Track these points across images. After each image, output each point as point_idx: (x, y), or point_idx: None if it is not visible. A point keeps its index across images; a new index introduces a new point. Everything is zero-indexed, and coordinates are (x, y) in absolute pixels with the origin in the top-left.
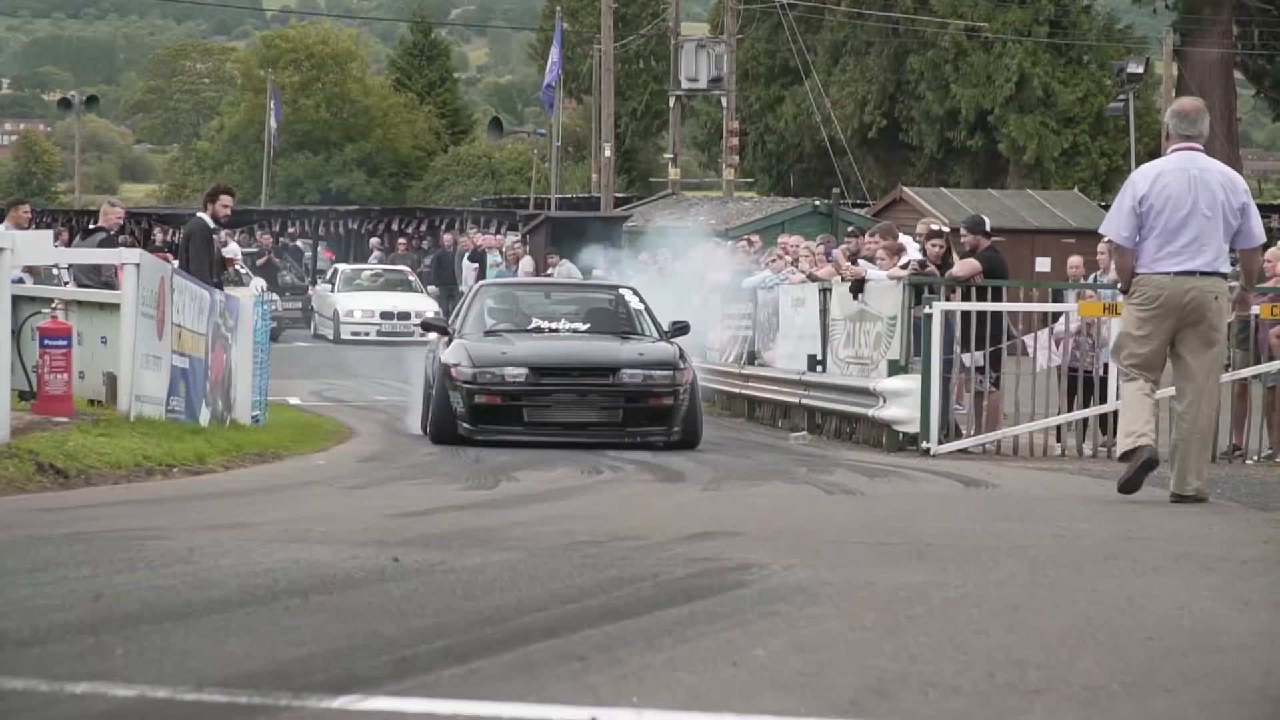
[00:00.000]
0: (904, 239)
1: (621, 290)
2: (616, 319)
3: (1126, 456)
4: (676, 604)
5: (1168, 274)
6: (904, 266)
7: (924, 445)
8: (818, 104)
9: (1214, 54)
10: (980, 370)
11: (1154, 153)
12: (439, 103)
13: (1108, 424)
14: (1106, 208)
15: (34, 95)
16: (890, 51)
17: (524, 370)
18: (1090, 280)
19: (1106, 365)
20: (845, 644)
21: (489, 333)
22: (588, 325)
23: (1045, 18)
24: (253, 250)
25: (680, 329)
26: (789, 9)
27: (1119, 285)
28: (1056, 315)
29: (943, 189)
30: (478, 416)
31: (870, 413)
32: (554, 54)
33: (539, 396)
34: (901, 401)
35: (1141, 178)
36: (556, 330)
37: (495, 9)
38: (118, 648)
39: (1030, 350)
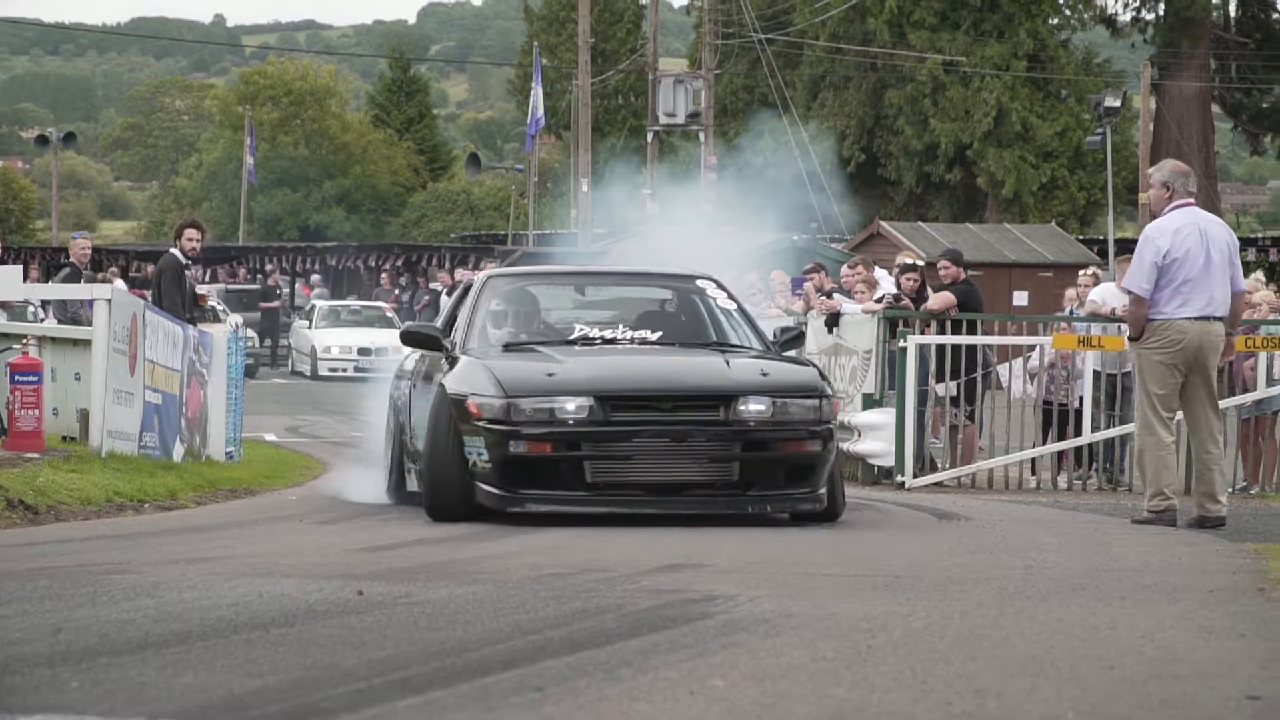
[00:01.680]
0: (879, 272)
1: (700, 281)
2: (698, 323)
3: (1156, 513)
4: (639, 635)
5: (1189, 319)
6: (879, 300)
7: (899, 479)
8: (795, 139)
9: (1192, 88)
10: (955, 403)
11: (1131, 186)
12: (418, 139)
13: (1083, 457)
14: (1085, 242)
15: (11, 132)
16: (869, 86)
17: (587, 401)
18: (1067, 313)
19: (1081, 399)
20: (805, 674)
21: (512, 347)
22: (658, 333)
23: (1023, 52)
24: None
25: (792, 338)
26: (767, 44)
27: (1130, 334)
28: (1031, 346)
29: (920, 223)
30: (514, 475)
31: (845, 446)
32: (535, 93)
33: (611, 442)
34: (876, 435)
35: (1161, 234)
36: (614, 341)
37: (474, 45)
38: (73, 680)
39: (1005, 382)
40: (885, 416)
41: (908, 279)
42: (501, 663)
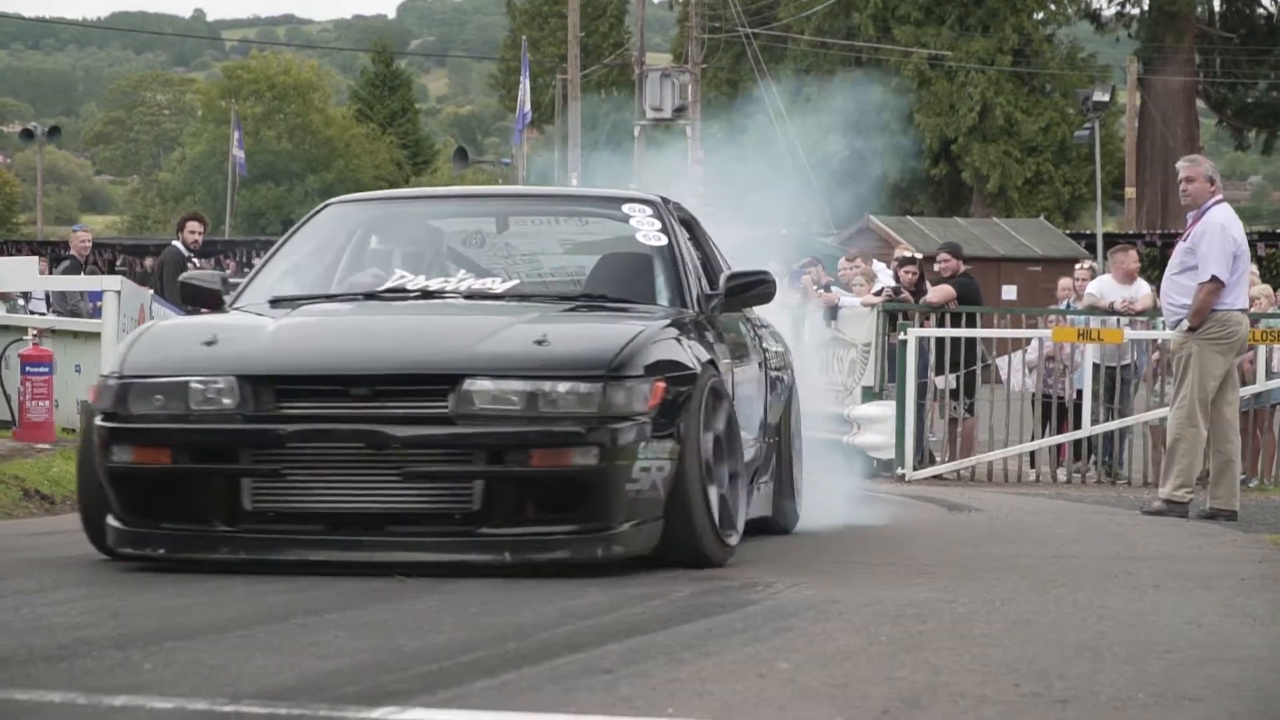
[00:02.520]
0: (876, 265)
1: (629, 205)
2: (612, 275)
3: (1174, 503)
4: (691, 620)
5: (1243, 311)
6: (877, 293)
7: (899, 471)
8: (781, 133)
9: (1176, 82)
10: (954, 396)
11: (1117, 181)
12: (401, 133)
13: (1081, 450)
14: (1073, 236)
15: None
16: (853, 81)
17: (233, 384)
18: (1064, 306)
19: (1080, 391)
20: (865, 657)
21: (281, 301)
22: (511, 282)
23: (1008, 47)
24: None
25: (746, 285)
26: (752, 39)
27: (1190, 323)
28: (1028, 339)
29: (909, 217)
30: (137, 500)
31: (844, 439)
32: (523, 88)
33: (273, 448)
34: (876, 428)
35: (1234, 224)
36: (438, 294)
37: (455, 40)
38: (145, 662)
39: (1004, 375)
40: (885, 409)
41: (906, 272)
42: (564, 646)
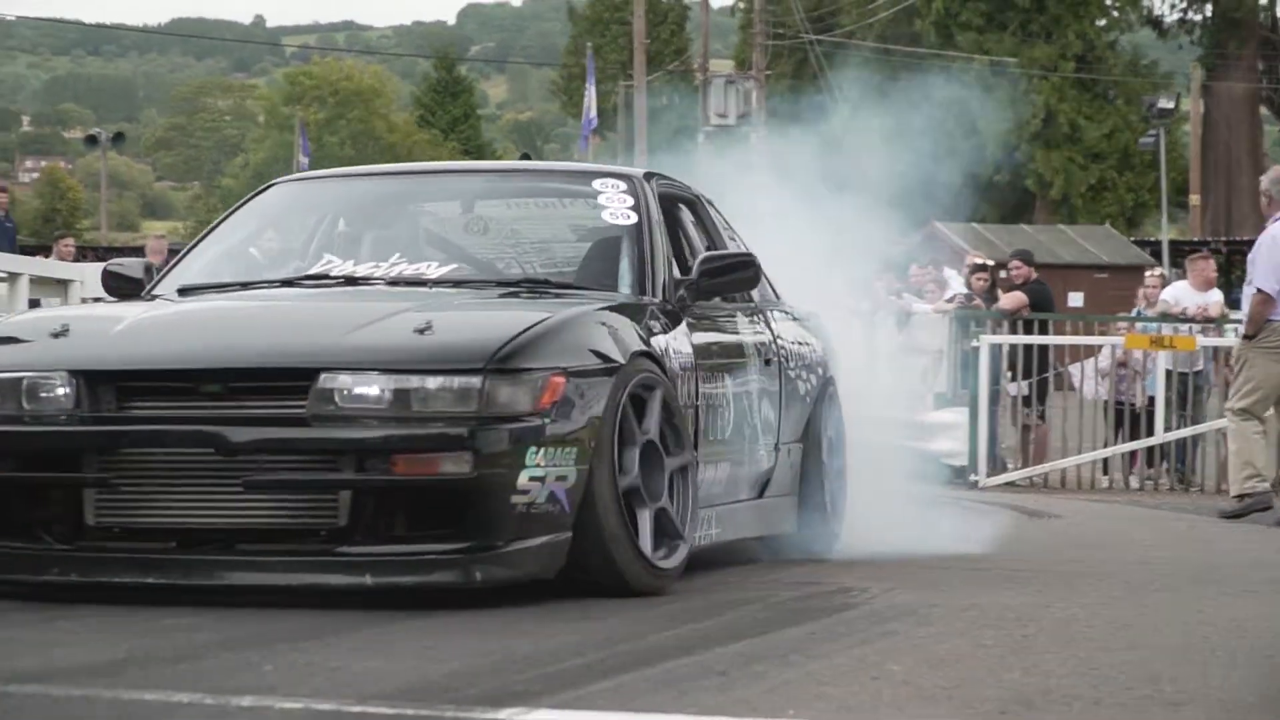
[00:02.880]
0: (947, 272)
1: (600, 181)
2: (586, 259)
3: (1247, 496)
4: (794, 624)
5: None
6: (949, 300)
7: (972, 478)
8: (844, 139)
9: (1240, 89)
10: (1027, 403)
11: (1180, 188)
12: (463, 139)
13: (1154, 457)
14: (1139, 243)
15: (54, 132)
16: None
17: (68, 381)
18: (1134, 314)
19: (1152, 398)
20: (974, 660)
21: (190, 290)
22: (449, 266)
23: (1071, 54)
24: None
25: (722, 268)
26: (815, 45)
27: (1246, 331)
28: (1099, 346)
29: (974, 224)
30: None
31: (918, 446)
32: (589, 94)
33: (113, 453)
34: (949, 434)
35: None
36: (363, 280)
37: (514, 45)
38: (264, 664)
39: (1076, 382)
40: (958, 416)
41: (978, 279)
42: (674, 648)
